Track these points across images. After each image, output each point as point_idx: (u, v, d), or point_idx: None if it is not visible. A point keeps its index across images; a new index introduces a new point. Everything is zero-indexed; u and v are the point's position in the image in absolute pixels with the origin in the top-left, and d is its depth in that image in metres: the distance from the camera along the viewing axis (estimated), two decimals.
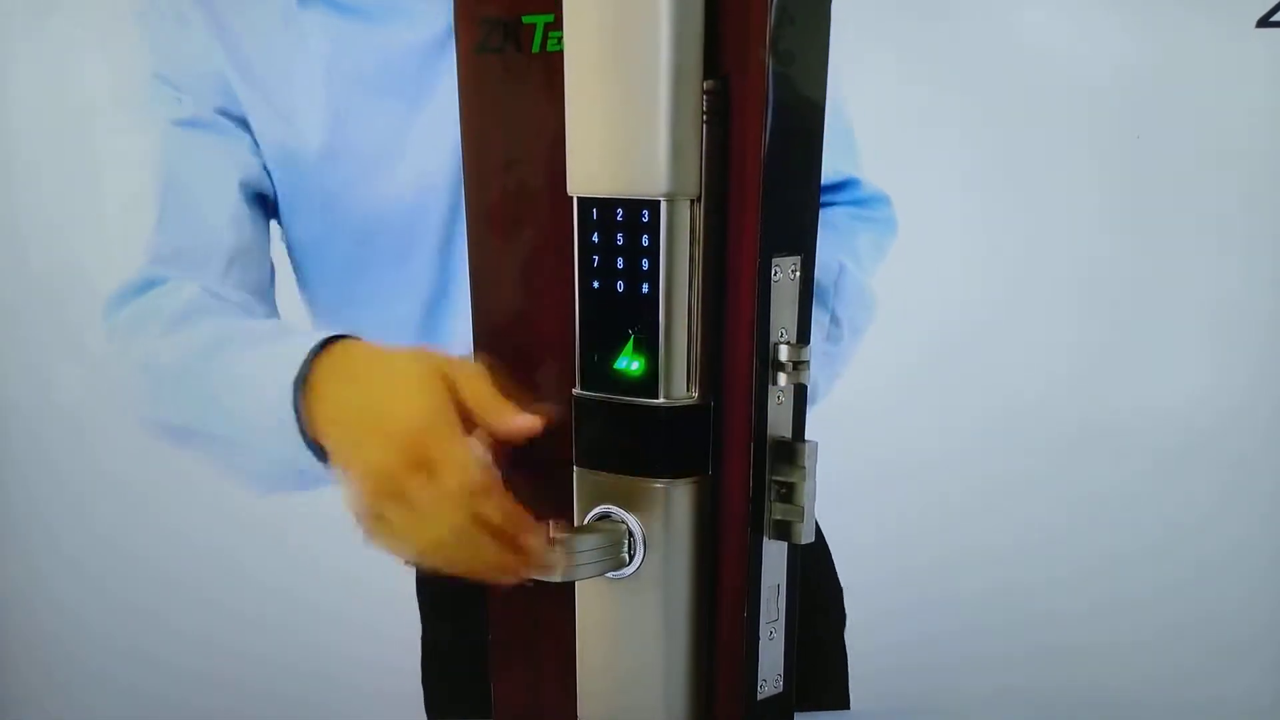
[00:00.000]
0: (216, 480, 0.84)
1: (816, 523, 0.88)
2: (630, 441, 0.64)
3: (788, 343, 0.63)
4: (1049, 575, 0.98)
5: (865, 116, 0.86)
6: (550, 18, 0.63)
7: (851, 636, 0.95)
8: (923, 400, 0.95)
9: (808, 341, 0.64)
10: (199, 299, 0.81)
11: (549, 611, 0.70)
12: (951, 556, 0.96)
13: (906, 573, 0.96)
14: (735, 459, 0.64)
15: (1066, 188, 0.94)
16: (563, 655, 0.69)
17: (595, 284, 0.63)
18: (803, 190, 0.63)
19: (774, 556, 0.66)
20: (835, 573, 0.99)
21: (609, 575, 0.65)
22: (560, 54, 0.60)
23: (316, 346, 0.68)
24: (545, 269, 0.67)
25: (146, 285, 0.84)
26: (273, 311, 0.88)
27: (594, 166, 0.61)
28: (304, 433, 0.68)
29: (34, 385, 1.05)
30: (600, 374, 0.64)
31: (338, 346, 0.68)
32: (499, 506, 0.61)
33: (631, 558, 0.65)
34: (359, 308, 0.88)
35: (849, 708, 0.95)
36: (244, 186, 0.86)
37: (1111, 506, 0.97)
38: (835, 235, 0.91)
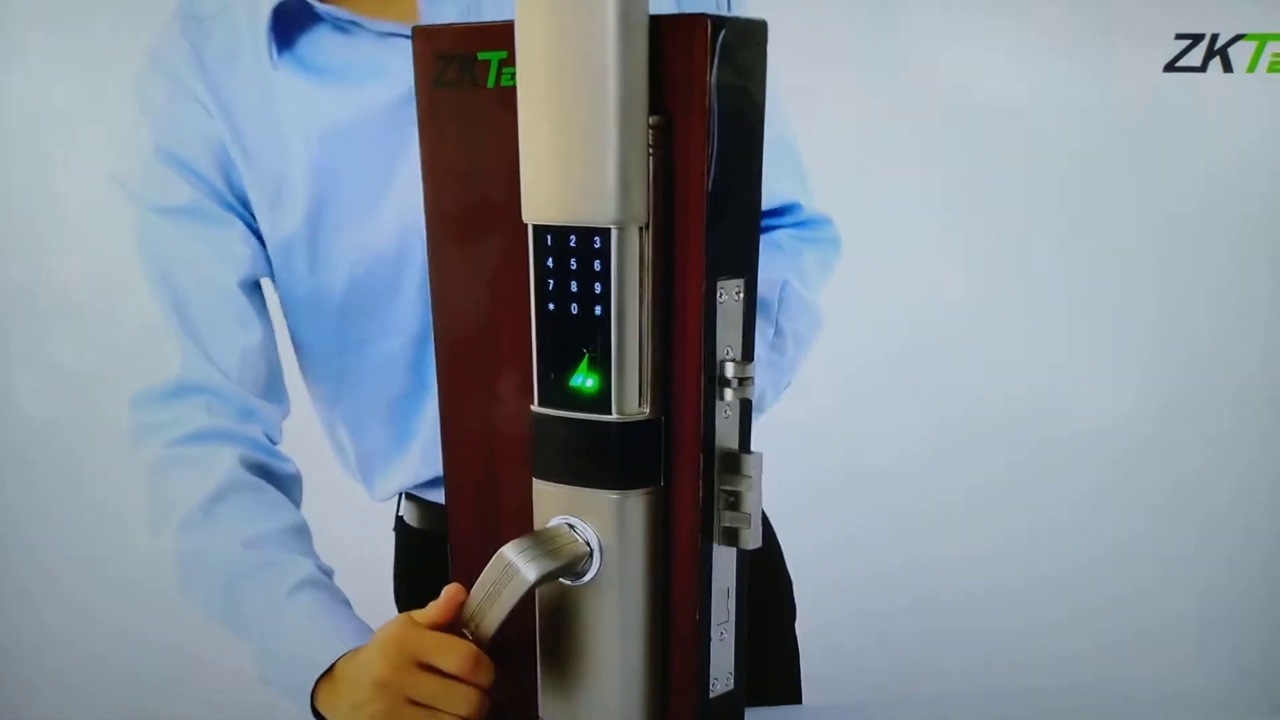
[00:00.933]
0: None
1: (765, 519, 0.92)
2: (586, 455, 0.67)
3: (733, 360, 0.66)
4: (1002, 580, 1.02)
5: (823, 142, 0.89)
6: (504, 54, 0.66)
7: (807, 638, 0.98)
8: (882, 410, 0.98)
9: (752, 359, 0.67)
10: (234, 474, 0.85)
11: (512, 616, 0.73)
12: (910, 562, 1.00)
13: (863, 577, 1.00)
14: (685, 470, 0.67)
15: (1027, 205, 0.98)
16: (523, 658, 0.72)
17: (551, 306, 0.66)
18: (744, 217, 0.66)
19: (723, 562, 0.69)
20: (785, 567, 1.03)
21: (568, 582, 0.68)
22: (514, 89, 0.63)
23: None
24: (503, 293, 0.70)
25: (177, 393, 0.87)
26: (279, 401, 0.92)
27: (547, 196, 0.64)
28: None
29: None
30: (557, 391, 0.67)
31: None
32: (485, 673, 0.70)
33: (589, 566, 0.68)
34: (350, 353, 0.91)
35: (800, 702, 0.98)
36: (243, 284, 0.88)
37: (1067, 513, 1.01)
38: (780, 254, 0.94)
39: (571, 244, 0.64)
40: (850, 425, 0.97)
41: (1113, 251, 0.97)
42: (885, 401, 0.98)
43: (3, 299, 1.02)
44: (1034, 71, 0.93)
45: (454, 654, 0.68)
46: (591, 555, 0.68)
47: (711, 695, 0.70)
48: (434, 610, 0.70)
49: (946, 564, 1.01)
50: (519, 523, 0.70)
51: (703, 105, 0.61)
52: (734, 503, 0.68)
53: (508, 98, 0.65)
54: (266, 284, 0.92)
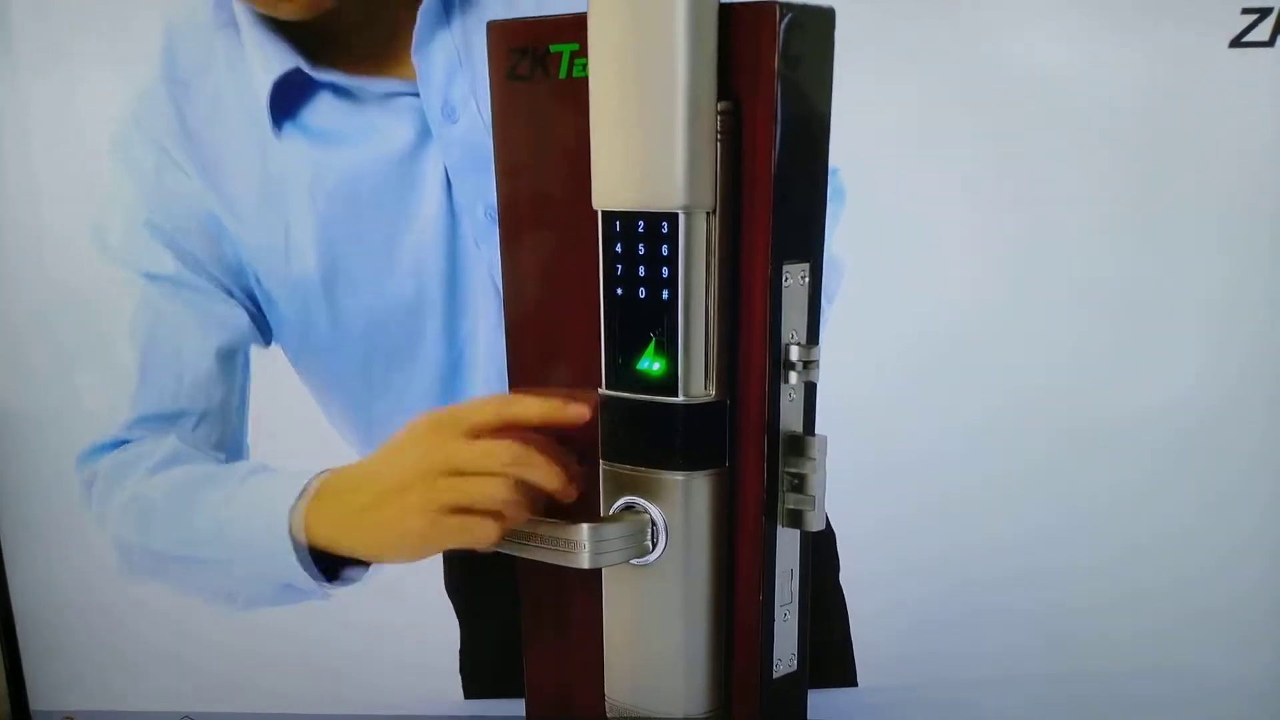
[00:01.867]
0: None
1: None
2: (652, 437, 0.68)
3: (798, 343, 0.67)
4: (1055, 567, 1.01)
5: (862, 116, 0.89)
6: (576, 46, 0.68)
7: (857, 626, 0.99)
8: (925, 396, 0.98)
9: (817, 342, 0.68)
10: (178, 448, 0.87)
11: (576, 597, 0.75)
12: (957, 549, 1.00)
13: (911, 563, 1.00)
14: (750, 452, 0.69)
15: (1065, 186, 0.97)
16: (589, 638, 0.74)
17: (619, 291, 0.68)
18: (810, 201, 0.67)
19: (787, 543, 0.70)
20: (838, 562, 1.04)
21: (633, 562, 0.70)
22: (585, 79, 0.66)
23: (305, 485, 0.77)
24: (572, 278, 0.72)
25: (119, 443, 0.89)
26: (235, 458, 0.94)
27: (617, 182, 0.66)
28: (303, 556, 0.76)
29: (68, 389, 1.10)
30: (624, 375, 0.69)
31: (321, 478, 0.77)
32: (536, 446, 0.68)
33: (654, 545, 0.69)
34: (377, 398, 0.93)
35: (856, 684, 0.99)
36: (220, 351, 0.90)
37: (1115, 502, 1.00)
38: None
39: (640, 229, 0.66)
40: (892, 412, 0.97)
41: (1171, 236, 0.96)
42: (926, 386, 0.97)
43: (64, 297, 1.06)
44: (1084, 50, 0.92)
45: (496, 406, 0.68)
46: (657, 536, 0.69)
47: (775, 676, 0.71)
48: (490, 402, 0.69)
49: (998, 545, 1.00)
50: (585, 503, 0.72)
51: (770, 91, 0.62)
52: (798, 485, 0.69)
53: (579, 89, 0.67)
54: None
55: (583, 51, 0.66)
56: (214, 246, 0.89)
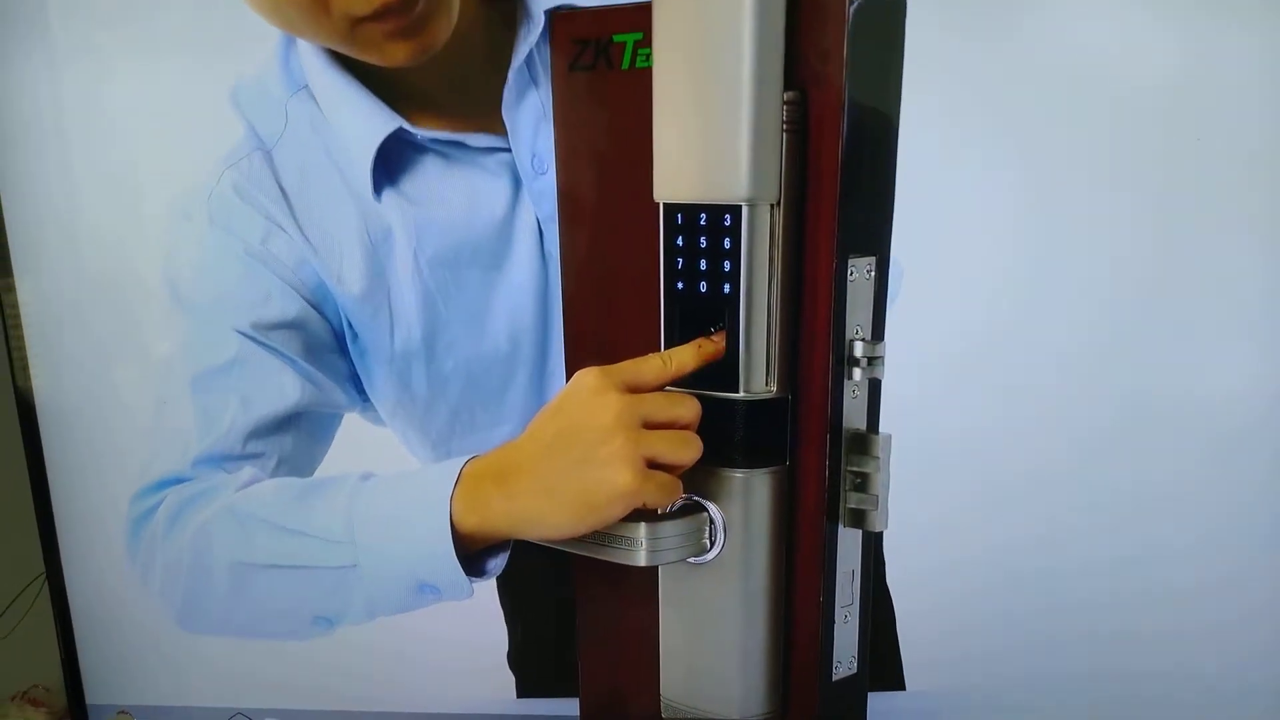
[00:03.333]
0: None
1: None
2: (712, 433, 0.67)
3: (863, 339, 0.66)
4: (1095, 563, 0.99)
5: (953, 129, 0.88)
6: (639, 36, 0.68)
7: (912, 629, 0.97)
8: (965, 389, 0.96)
9: (882, 338, 0.67)
10: (257, 473, 0.86)
11: (633, 595, 0.74)
12: (998, 545, 0.98)
13: (953, 562, 0.98)
14: (812, 450, 0.67)
15: (1107, 177, 0.95)
16: (645, 637, 0.73)
17: (680, 285, 0.67)
18: (878, 194, 0.66)
19: (848, 544, 0.69)
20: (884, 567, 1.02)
21: (691, 561, 0.69)
22: (649, 70, 0.65)
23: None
24: (632, 272, 0.71)
25: (182, 480, 0.87)
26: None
27: (679, 174, 0.65)
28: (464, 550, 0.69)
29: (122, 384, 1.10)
30: None
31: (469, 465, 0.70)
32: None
33: (712, 544, 0.68)
34: (457, 440, 0.95)
35: (904, 689, 0.97)
36: (304, 408, 0.89)
37: (1159, 496, 0.98)
38: None
39: (702, 222, 0.65)
40: (934, 405, 0.95)
41: (1218, 234, 0.94)
42: (970, 379, 0.96)
43: (118, 292, 1.07)
44: (1131, 40, 0.90)
45: (685, 406, 0.64)
46: (715, 534, 0.68)
47: (834, 678, 0.69)
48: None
49: (1041, 542, 0.98)
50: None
51: (838, 81, 0.61)
52: (861, 484, 0.67)
53: (642, 79, 0.66)
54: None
55: (647, 41, 0.65)
56: (315, 310, 0.90)
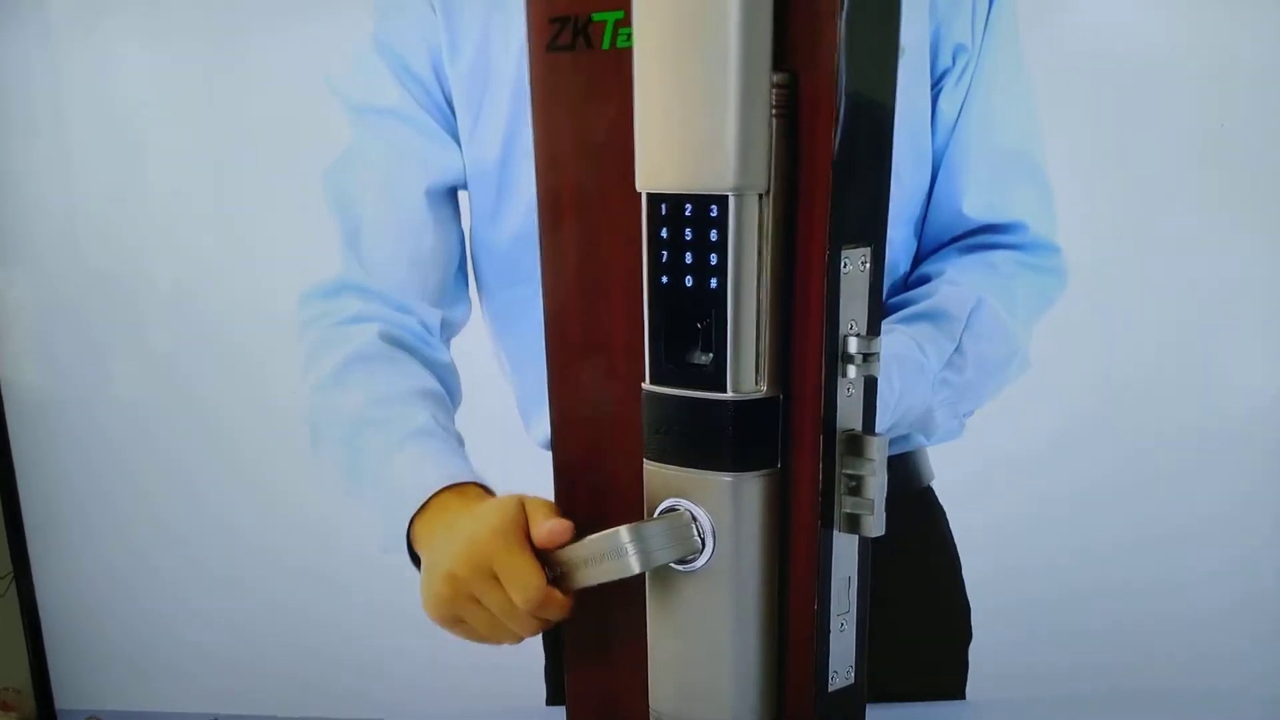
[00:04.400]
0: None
1: (949, 536, 0.89)
2: (700, 435, 0.64)
3: (858, 334, 0.63)
4: (1163, 577, 0.97)
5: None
6: (620, 14, 0.64)
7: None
8: (1033, 399, 0.93)
9: (878, 333, 0.64)
10: (365, 344, 0.87)
11: (621, 604, 0.71)
12: (1061, 556, 0.96)
13: (1013, 571, 0.96)
14: (805, 452, 0.64)
15: (1116, 178, 0.93)
16: (635, 647, 0.70)
17: (664, 279, 0.63)
18: (873, 180, 0.62)
19: (844, 549, 0.66)
20: (964, 591, 1.00)
21: (680, 568, 0.66)
22: (630, 50, 0.61)
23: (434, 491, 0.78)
24: (615, 264, 0.68)
25: (337, 290, 0.89)
26: (450, 307, 0.92)
27: (662, 162, 0.62)
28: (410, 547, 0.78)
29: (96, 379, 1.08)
30: (669, 368, 0.64)
31: (448, 493, 0.78)
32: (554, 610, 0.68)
33: (702, 550, 0.65)
34: (519, 286, 0.92)
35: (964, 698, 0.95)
36: (431, 191, 0.88)
37: (1226, 507, 0.95)
38: (992, 275, 0.90)
39: (687, 213, 0.61)
40: (1001, 415, 0.92)
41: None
42: (1039, 391, 0.93)
43: (93, 285, 1.04)
44: (1211, 45, 0.88)
45: (524, 589, 0.67)
46: (704, 541, 0.65)
47: (830, 689, 0.66)
48: (538, 531, 0.68)
49: (1115, 553, 0.96)
50: (628, 505, 0.68)
51: (830, 61, 0.58)
52: (856, 487, 0.64)
53: (624, 60, 0.62)
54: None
55: (628, 20, 0.62)
56: (437, 80, 0.88)
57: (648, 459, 0.67)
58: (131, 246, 1.11)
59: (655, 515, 0.66)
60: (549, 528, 0.67)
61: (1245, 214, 0.92)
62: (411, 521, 0.77)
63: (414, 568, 0.78)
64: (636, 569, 0.64)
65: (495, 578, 0.68)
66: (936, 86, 0.88)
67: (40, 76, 1.00)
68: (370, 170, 0.88)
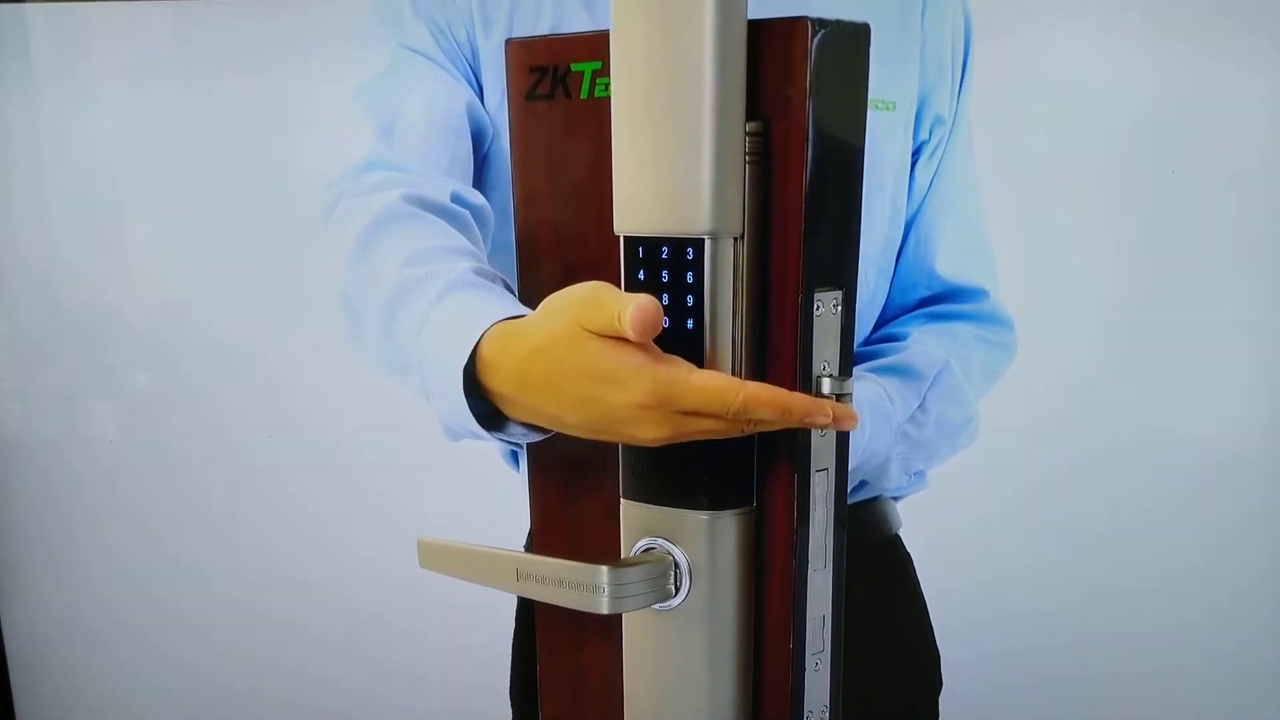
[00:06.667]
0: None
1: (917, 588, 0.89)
2: (676, 474, 0.65)
3: (830, 375, 0.64)
4: (1134, 629, 0.97)
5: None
6: (598, 65, 0.66)
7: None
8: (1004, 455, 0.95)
9: (849, 374, 0.65)
10: (393, 205, 0.80)
11: (596, 642, 0.71)
12: (1056, 599, 0.96)
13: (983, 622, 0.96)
14: (780, 490, 0.65)
15: (1104, 212, 0.95)
16: (609, 686, 0.70)
17: None
18: (843, 225, 0.64)
19: (819, 588, 0.66)
20: (934, 638, 1.00)
21: (656, 607, 0.66)
22: (608, 99, 0.63)
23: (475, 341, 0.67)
24: None
25: (367, 168, 0.85)
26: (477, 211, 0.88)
27: (640, 206, 0.63)
28: (476, 410, 0.68)
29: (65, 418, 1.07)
30: None
31: (495, 330, 0.67)
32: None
33: (678, 589, 0.66)
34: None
35: None
36: (466, 112, 0.87)
37: (1191, 567, 0.97)
38: (953, 344, 0.92)
39: (664, 255, 0.63)
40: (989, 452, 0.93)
41: (1222, 259, 0.94)
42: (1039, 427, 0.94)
43: (65, 329, 1.04)
44: (1127, 56, 0.90)
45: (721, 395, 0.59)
46: (680, 584, 0.65)
47: None
48: (629, 325, 0.58)
49: (1096, 600, 0.97)
50: (603, 542, 0.68)
51: (802, 110, 0.59)
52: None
53: (601, 109, 0.64)
54: None
55: (605, 70, 0.63)
56: (471, 53, 0.88)
57: (625, 497, 0.67)
58: (104, 291, 1.11)
59: (633, 554, 0.67)
60: (632, 314, 0.58)
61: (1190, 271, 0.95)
62: (474, 358, 0.66)
63: (477, 430, 0.68)
64: (605, 611, 0.63)
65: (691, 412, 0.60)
66: (914, 155, 0.91)
67: (16, 123, 1.01)
68: (409, 81, 0.88)
